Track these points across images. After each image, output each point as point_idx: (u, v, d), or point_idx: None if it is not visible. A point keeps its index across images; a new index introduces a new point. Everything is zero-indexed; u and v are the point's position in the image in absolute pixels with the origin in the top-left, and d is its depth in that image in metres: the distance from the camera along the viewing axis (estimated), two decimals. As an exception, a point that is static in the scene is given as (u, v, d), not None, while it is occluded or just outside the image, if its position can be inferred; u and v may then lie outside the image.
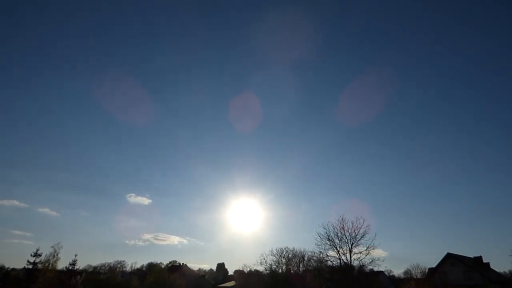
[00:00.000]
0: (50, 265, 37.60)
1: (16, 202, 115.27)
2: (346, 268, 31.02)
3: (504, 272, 66.70)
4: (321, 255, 33.93)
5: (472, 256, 47.41)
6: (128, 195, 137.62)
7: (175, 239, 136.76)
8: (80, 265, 50.38)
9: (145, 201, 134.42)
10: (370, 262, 30.28)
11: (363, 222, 31.13)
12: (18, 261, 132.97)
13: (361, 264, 30.99)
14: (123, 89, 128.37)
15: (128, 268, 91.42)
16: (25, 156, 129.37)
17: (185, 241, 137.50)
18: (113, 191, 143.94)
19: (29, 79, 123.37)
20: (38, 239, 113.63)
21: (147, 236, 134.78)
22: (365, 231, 30.67)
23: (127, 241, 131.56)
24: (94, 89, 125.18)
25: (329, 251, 32.31)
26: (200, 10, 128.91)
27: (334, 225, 32.33)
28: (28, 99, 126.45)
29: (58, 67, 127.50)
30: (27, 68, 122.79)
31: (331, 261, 33.35)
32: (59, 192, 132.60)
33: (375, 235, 30.44)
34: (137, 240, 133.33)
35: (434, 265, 46.18)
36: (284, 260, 44.53)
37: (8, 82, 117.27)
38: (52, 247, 38.27)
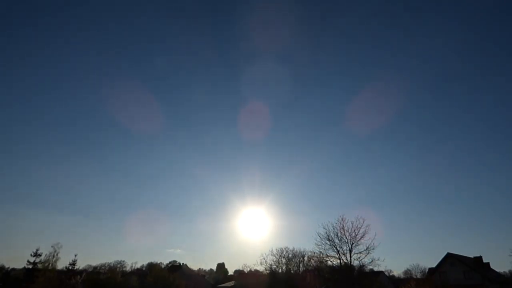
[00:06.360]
0: (50, 265, 37.51)
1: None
2: (346, 268, 30.97)
3: (504, 272, 66.79)
4: (321, 255, 33.84)
5: (472, 256, 47.40)
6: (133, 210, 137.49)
7: (177, 251, 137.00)
8: (80, 265, 50.46)
9: (151, 213, 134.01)
10: (370, 262, 30.20)
11: (363, 222, 31.08)
12: (18, 261, 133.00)
13: (361, 264, 30.97)
14: (132, 99, 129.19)
15: (128, 268, 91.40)
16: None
17: (187, 252, 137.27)
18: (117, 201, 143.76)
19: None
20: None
21: (151, 246, 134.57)
22: (365, 231, 30.56)
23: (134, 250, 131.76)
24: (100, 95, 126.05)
25: (329, 251, 32.21)
26: (200, 10, 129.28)
27: (334, 225, 32.26)
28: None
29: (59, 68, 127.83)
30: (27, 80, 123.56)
31: (331, 261, 33.32)
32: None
33: (375, 235, 30.42)
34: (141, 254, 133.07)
35: (434, 265, 46.24)
36: (284, 260, 44.47)
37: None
38: (52, 246, 38.29)
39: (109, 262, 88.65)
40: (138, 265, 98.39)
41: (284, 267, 44.09)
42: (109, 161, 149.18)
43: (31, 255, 42.38)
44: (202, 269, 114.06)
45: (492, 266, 46.35)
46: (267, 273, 44.72)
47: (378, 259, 29.86)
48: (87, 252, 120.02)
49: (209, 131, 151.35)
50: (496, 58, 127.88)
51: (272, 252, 45.05)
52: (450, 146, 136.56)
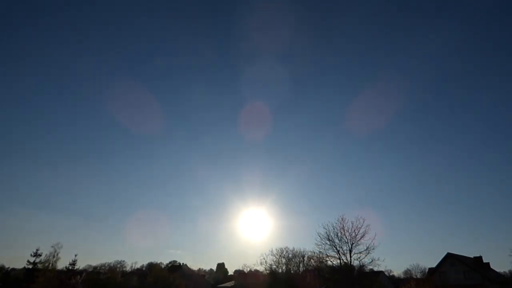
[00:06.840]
0: (50, 265, 37.52)
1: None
2: (346, 268, 30.96)
3: (504, 272, 66.83)
4: (321, 255, 33.87)
5: (472, 256, 47.39)
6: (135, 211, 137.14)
7: (177, 251, 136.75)
8: (80, 265, 50.42)
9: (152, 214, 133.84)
10: (370, 262, 30.19)
11: (363, 222, 31.08)
12: (18, 261, 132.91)
13: (361, 264, 30.96)
14: (132, 99, 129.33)
15: (128, 268, 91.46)
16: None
17: (187, 252, 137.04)
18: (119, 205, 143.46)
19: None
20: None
21: (151, 247, 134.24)
22: (365, 231, 30.56)
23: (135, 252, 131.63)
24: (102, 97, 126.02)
25: (329, 251, 32.22)
26: (200, 10, 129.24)
27: (334, 225, 32.28)
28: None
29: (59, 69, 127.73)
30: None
31: (331, 261, 33.33)
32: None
33: (375, 235, 30.41)
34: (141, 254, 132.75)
35: (434, 265, 46.23)
36: (284, 260, 44.49)
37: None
38: (52, 246, 38.29)
39: (109, 262, 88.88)
40: (138, 265, 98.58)
41: (284, 267, 44.11)
42: (109, 161, 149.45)
43: (31, 255, 42.41)
44: (202, 269, 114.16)
45: (492, 266, 46.35)
46: (267, 273, 44.74)
47: (378, 259, 29.88)
48: (87, 252, 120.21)
49: (209, 131, 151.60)
50: (496, 58, 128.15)
51: (272, 252, 45.12)
52: (450, 146, 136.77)
